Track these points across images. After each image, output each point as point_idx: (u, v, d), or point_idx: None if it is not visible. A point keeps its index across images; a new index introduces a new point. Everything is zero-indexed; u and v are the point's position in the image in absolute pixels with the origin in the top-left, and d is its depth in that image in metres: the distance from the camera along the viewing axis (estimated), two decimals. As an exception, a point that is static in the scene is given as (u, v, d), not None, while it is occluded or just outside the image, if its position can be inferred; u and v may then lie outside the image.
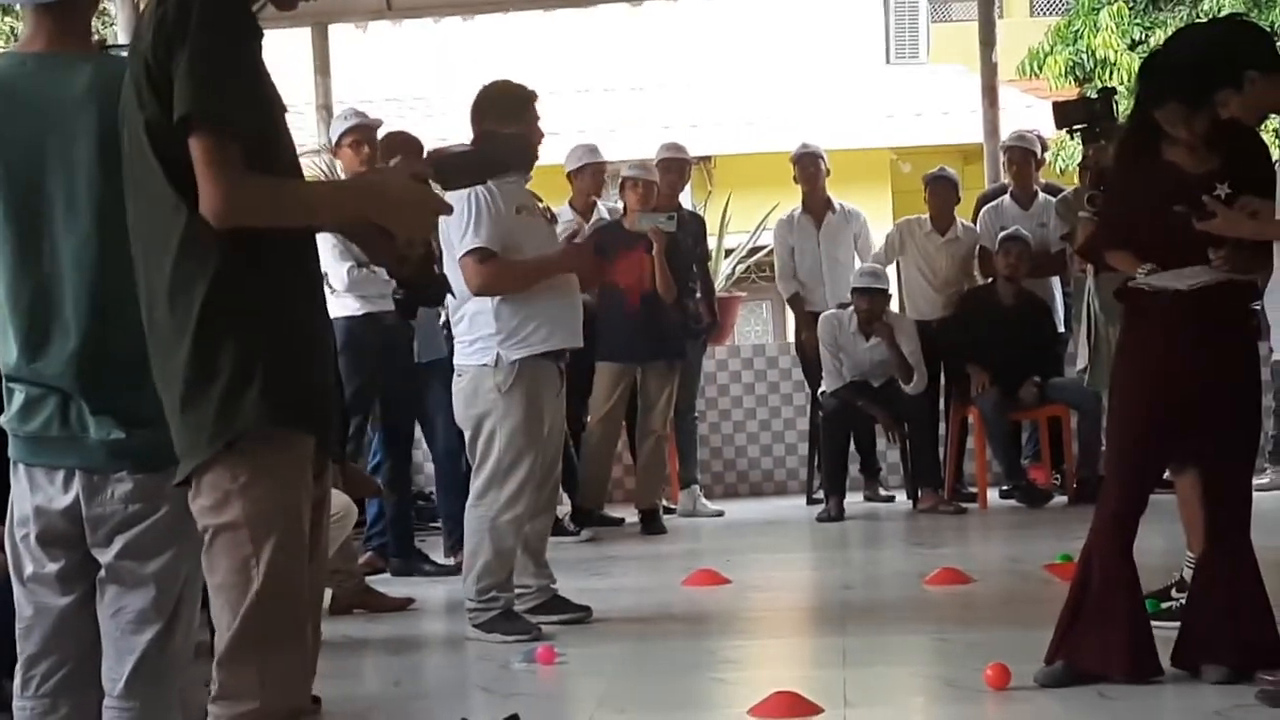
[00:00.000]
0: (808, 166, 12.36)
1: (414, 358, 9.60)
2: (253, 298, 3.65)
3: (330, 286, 9.46)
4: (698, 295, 11.75)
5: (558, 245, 8.06)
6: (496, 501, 7.58)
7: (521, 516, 7.63)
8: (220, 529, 3.68)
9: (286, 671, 3.75)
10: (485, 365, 7.57)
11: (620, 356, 11.06)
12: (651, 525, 11.26)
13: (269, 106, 3.70)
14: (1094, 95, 9.34)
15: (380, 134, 9.85)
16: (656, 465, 11.47)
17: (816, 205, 12.42)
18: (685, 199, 12.53)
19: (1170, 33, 9.35)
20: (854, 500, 12.14)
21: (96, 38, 5.34)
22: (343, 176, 9.68)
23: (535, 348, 7.59)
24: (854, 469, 12.19)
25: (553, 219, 8.31)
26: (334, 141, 9.85)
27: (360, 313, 9.38)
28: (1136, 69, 17.39)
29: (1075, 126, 8.86)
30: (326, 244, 9.32)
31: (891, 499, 12.27)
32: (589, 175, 11.57)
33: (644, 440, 11.41)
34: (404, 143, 9.89)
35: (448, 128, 9.74)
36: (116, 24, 11.95)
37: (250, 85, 3.65)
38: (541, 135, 7.77)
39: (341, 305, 9.42)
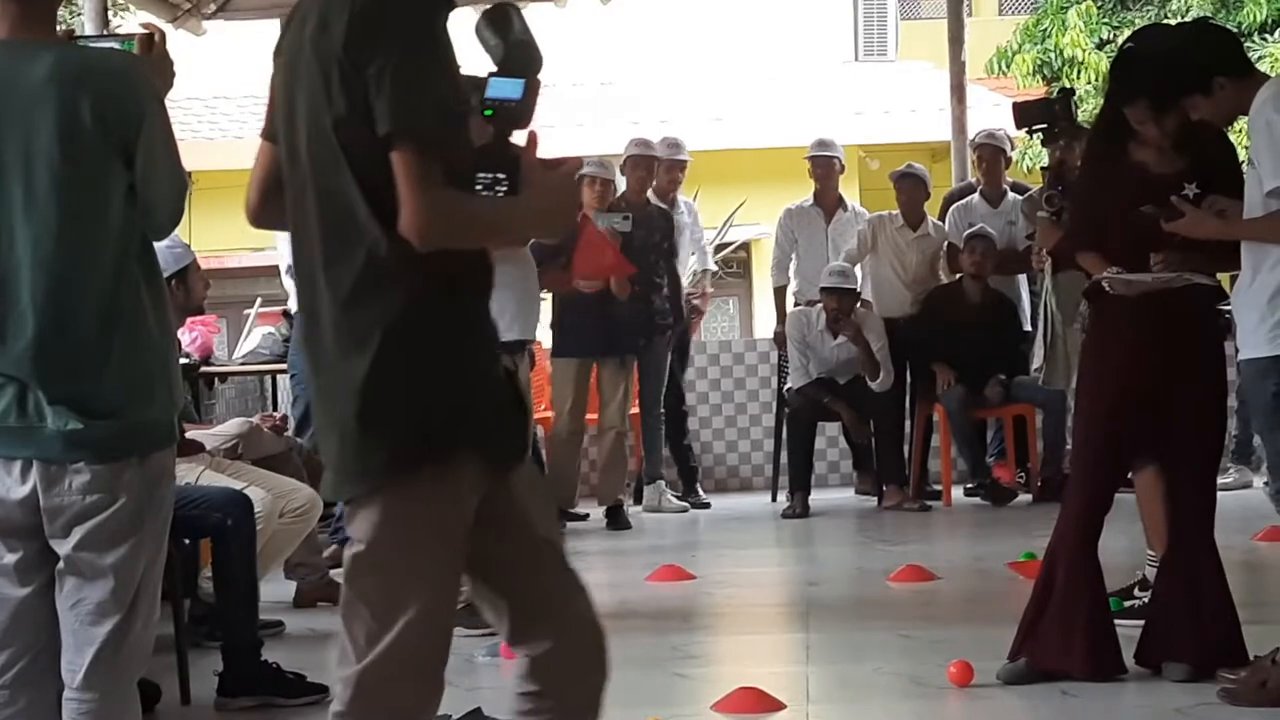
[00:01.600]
0: (821, 165, 12.41)
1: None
2: (447, 312, 3.52)
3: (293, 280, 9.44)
4: (664, 291, 11.73)
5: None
6: None
7: None
8: (379, 545, 3.52)
9: (410, 710, 3.65)
10: None
11: (573, 352, 11.03)
12: (616, 521, 11.22)
13: (459, 109, 3.54)
14: (1054, 96, 9.36)
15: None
16: (617, 461, 11.42)
17: (829, 202, 12.47)
18: (652, 194, 12.48)
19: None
20: (836, 496, 12.20)
21: (65, 28, 5.33)
22: None
23: None
24: (820, 464, 12.21)
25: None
26: None
27: None
28: (1106, 68, 17.38)
29: (1035, 127, 8.88)
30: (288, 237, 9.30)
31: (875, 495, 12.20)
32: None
33: (602, 436, 11.39)
34: None
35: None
36: (83, 14, 11.88)
37: (449, 90, 3.49)
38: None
39: None
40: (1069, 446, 9.90)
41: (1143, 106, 6.05)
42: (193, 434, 7.23)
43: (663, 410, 12.04)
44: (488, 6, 3.69)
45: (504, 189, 3.55)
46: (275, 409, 11.31)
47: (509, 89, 3.65)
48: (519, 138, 3.66)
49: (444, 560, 3.58)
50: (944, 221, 12.29)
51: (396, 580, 3.53)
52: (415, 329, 3.47)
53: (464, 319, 3.56)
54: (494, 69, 3.66)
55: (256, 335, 11.16)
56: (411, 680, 3.60)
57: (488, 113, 3.63)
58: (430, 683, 3.65)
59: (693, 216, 12.63)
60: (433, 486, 3.51)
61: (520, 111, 3.66)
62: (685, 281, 12.45)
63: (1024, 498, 11.70)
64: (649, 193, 11.80)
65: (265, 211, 3.79)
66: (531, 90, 3.67)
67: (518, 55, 3.66)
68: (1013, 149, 12.71)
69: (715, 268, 13.57)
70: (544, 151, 3.63)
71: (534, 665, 3.79)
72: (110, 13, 12.68)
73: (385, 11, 3.42)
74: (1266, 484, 7.52)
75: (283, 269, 9.64)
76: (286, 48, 3.61)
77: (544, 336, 10.44)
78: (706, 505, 12.13)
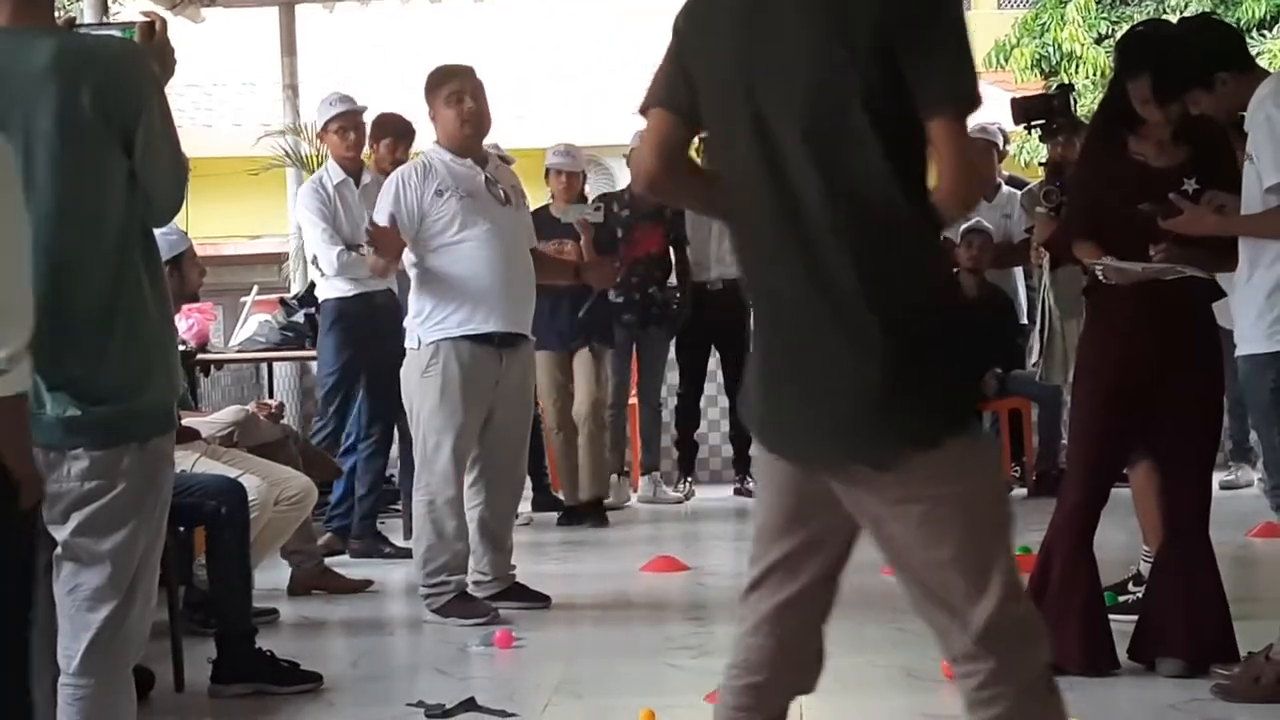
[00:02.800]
0: None
1: (402, 339, 9.59)
2: (949, 270, 3.65)
3: (320, 270, 9.50)
4: (671, 282, 11.70)
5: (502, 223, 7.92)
6: (430, 485, 7.63)
7: (455, 498, 7.64)
8: (946, 499, 3.49)
9: (1040, 621, 3.64)
10: (413, 349, 7.67)
11: (543, 345, 10.76)
12: (594, 518, 10.94)
13: None
14: (1053, 92, 9.37)
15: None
16: (593, 456, 11.12)
17: None
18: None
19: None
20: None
21: (65, 15, 5.32)
22: (331, 161, 9.71)
23: (451, 330, 7.61)
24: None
25: (510, 199, 8.16)
26: (320, 126, 9.84)
27: (351, 293, 9.38)
28: (1104, 62, 17.38)
29: (1033, 122, 8.90)
30: (316, 228, 9.36)
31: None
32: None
33: (580, 430, 11.15)
34: (395, 124, 9.86)
35: (415, 110, 9.72)
36: (83, 1, 11.86)
37: (671, 67, 3.64)
38: (462, 116, 7.75)
39: (332, 287, 9.47)
40: (1064, 441, 9.91)
41: (1146, 82, 6.04)
42: (188, 421, 7.23)
43: (660, 401, 12.04)
44: None
45: None
46: (271, 396, 11.31)
47: None
48: None
49: (1006, 492, 3.73)
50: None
51: (985, 522, 3.55)
52: (942, 286, 3.55)
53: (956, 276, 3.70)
54: None
55: (253, 323, 11.15)
56: (1026, 604, 3.62)
57: None
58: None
59: None
60: (979, 430, 3.59)
61: None
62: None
63: (1019, 492, 11.70)
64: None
65: (667, 180, 3.74)
66: None
67: None
68: (1006, 143, 12.70)
69: None
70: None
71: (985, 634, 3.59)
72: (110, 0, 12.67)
73: None
74: (1262, 479, 7.57)
75: (307, 258, 9.66)
76: (729, 19, 3.57)
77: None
78: (684, 498, 12.11)
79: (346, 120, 9.62)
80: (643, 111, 3.72)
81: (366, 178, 9.52)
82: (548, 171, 11.10)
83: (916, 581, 3.59)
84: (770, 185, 3.50)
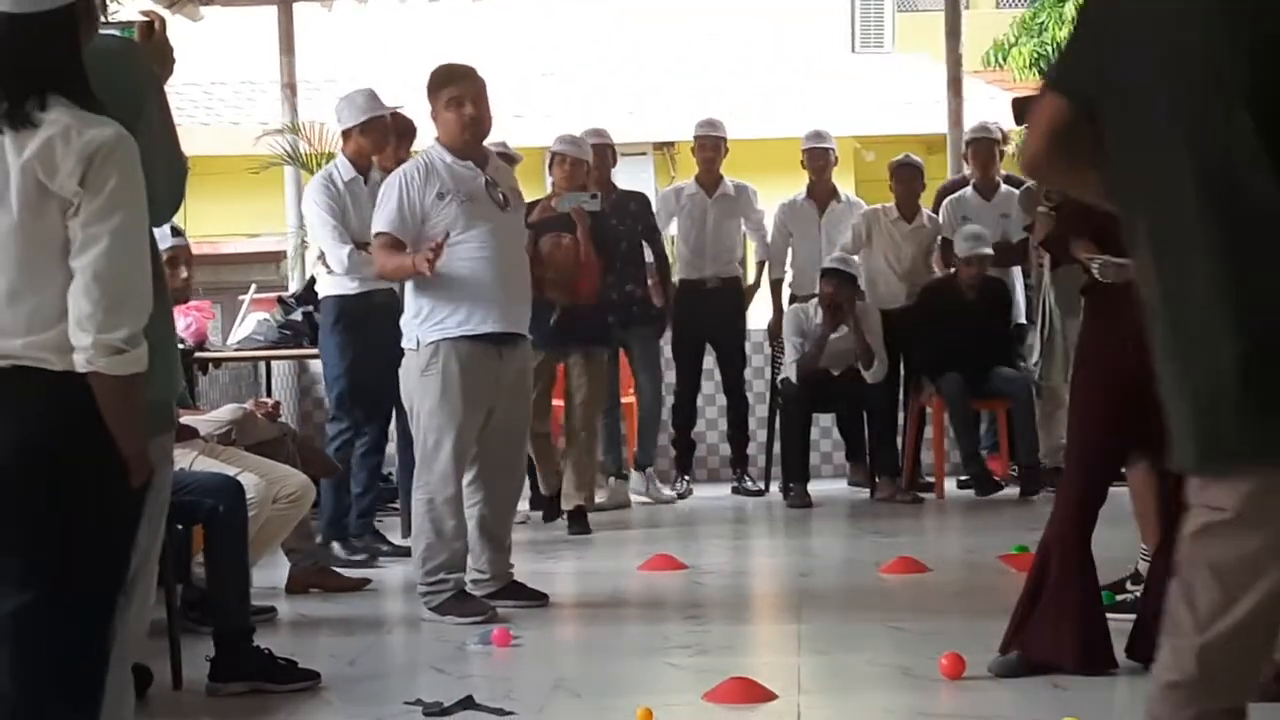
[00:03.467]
0: (816, 158, 12.45)
1: (400, 339, 9.58)
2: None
3: (328, 268, 9.48)
4: (650, 281, 11.65)
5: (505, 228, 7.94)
6: (430, 484, 7.63)
7: (455, 497, 7.65)
8: (1250, 517, 3.42)
9: (1254, 684, 3.55)
10: (411, 349, 7.69)
11: (540, 345, 10.46)
12: (578, 525, 10.63)
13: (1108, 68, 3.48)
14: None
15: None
16: (582, 464, 10.87)
17: (822, 194, 12.50)
18: (649, 187, 12.40)
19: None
20: (829, 487, 12.27)
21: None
22: (342, 157, 9.70)
23: (450, 331, 7.62)
24: (813, 456, 12.22)
25: (509, 202, 8.15)
26: (345, 126, 9.77)
27: (355, 291, 9.34)
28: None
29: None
30: (326, 226, 9.33)
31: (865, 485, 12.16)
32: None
33: (569, 439, 10.97)
34: (396, 123, 9.85)
35: (414, 109, 9.71)
36: None
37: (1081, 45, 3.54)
38: (462, 121, 7.75)
39: (337, 284, 9.44)
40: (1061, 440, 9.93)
41: None
42: (187, 420, 7.24)
43: (653, 400, 12.03)
44: None
45: None
46: (269, 395, 11.31)
47: None
48: None
49: None
50: (938, 213, 12.30)
51: (1259, 555, 3.43)
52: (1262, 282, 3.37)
53: None
54: None
55: (251, 321, 11.17)
56: (1259, 654, 3.53)
57: None
58: (1266, 655, 3.56)
59: (745, 198, 12.52)
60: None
61: None
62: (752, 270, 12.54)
63: (1015, 490, 11.68)
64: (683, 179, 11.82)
65: (1050, 164, 3.68)
66: None
67: None
68: (1006, 142, 12.71)
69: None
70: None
71: None
72: (108, -2, 12.66)
73: None
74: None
75: (311, 253, 9.63)
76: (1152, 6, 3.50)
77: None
78: (678, 497, 12.10)
79: (376, 124, 9.60)
80: (1043, 90, 3.65)
81: (376, 176, 9.50)
82: (551, 159, 10.98)
83: (1176, 572, 3.54)
84: (1186, 176, 3.45)
